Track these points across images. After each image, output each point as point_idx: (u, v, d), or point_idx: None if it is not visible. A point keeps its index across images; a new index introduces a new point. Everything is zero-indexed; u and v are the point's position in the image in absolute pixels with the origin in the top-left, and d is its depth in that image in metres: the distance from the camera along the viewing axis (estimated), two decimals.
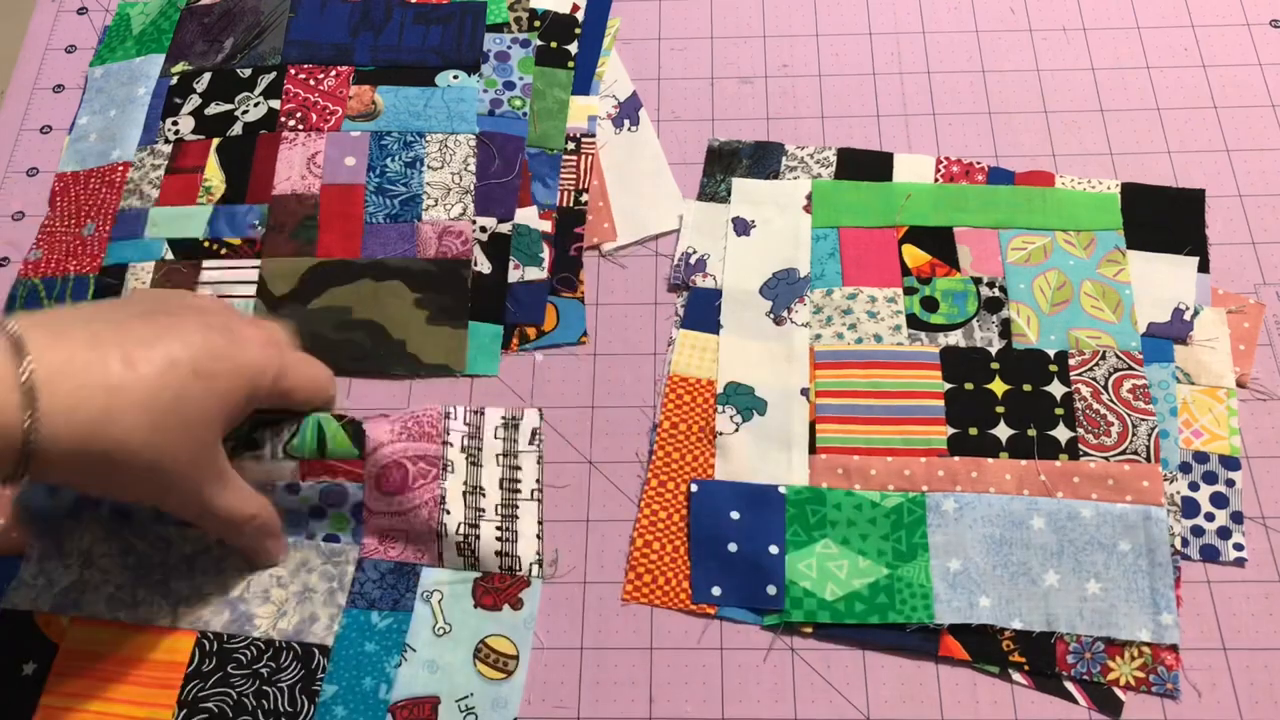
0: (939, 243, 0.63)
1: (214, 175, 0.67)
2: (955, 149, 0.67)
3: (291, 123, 0.68)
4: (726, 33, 0.72)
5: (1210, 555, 0.54)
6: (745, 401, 0.58)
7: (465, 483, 0.56)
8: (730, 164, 0.67)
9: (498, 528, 0.56)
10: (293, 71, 0.70)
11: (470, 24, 0.72)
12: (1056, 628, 0.52)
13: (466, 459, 0.57)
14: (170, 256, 0.64)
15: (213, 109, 0.69)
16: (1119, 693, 0.51)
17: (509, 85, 0.70)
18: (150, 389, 0.44)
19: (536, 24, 0.72)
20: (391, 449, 0.55)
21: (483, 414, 0.58)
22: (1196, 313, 0.60)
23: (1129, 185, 0.64)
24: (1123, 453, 0.56)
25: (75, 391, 0.42)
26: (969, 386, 0.58)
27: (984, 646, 0.53)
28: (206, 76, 0.70)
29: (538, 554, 0.56)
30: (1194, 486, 0.56)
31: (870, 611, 0.53)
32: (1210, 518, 0.55)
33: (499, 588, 0.55)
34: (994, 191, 0.64)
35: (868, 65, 0.70)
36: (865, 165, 0.66)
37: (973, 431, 0.57)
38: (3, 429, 0.40)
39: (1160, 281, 0.61)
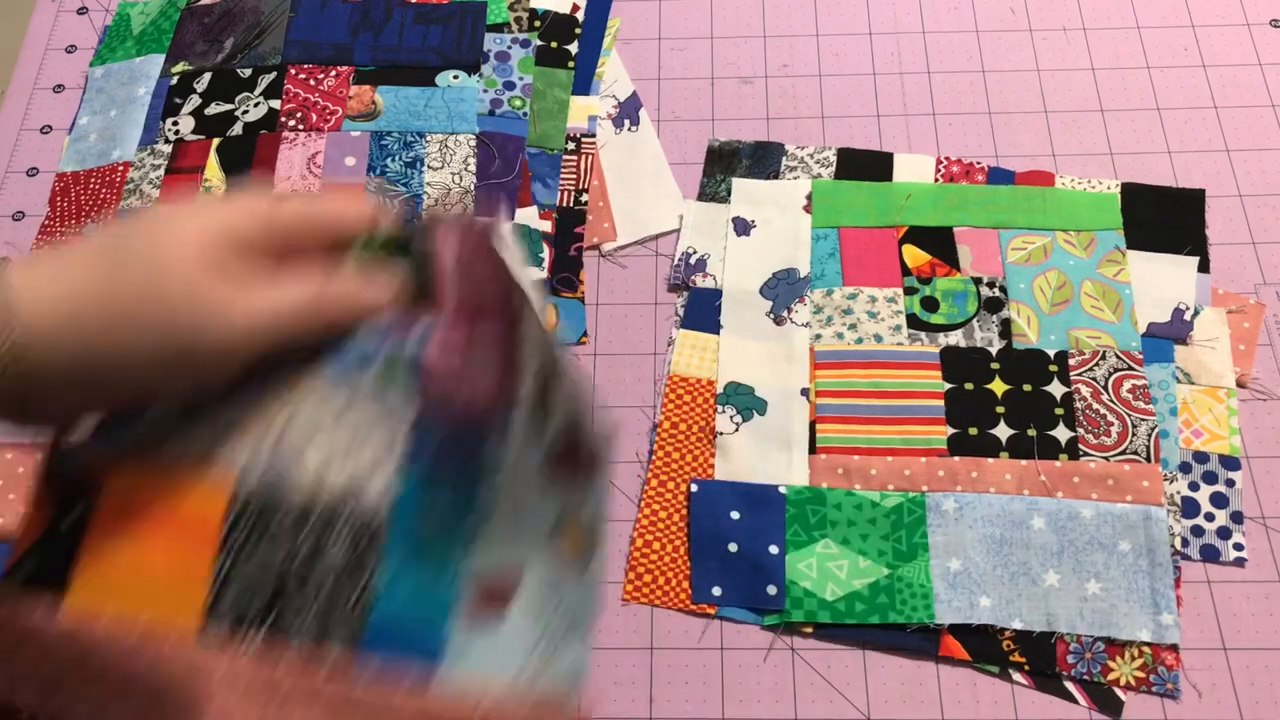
0: (939, 243, 0.63)
1: (214, 175, 0.67)
2: (955, 149, 0.67)
3: (291, 123, 0.68)
4: (726, 33, 0.72)
5: (1210, 555, 0.54)
6: (745, 401, 0.58)
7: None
8: (730, 164, 0.67)
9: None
10: (293, 71, 0.70)
11: (470, 24, 0.72)
12: (1057, 628, 0.52)
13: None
14: None
15: (213, 109, 0.69)
16: (1119, 693, 0.51)
17: (509, 85, 0.70)
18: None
19: (537, 24, 0.72)
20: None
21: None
22: (1197, 313, 0.60)
23: (1129, 185, 0.64)
24: (1123, 453, 0.56)
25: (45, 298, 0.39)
26: (969, 386, 0.58)
27: (984, 646, 0.53)
28: (207, 76, 0.70)
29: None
30: (1194, 486, 0.56)
31: (870, 611, 0.53)
32: (1210, 518, 0.55)
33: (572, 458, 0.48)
34: (994, 191, 0.64)
35: (868, 65, 0.70)
36: (865, 165, 0.66)
37: (973, 431, 0.57)
38: None
39: (1160, 281, 0.61)
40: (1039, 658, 0.52)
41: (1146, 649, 0.52)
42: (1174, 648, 0.52)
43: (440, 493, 0.44)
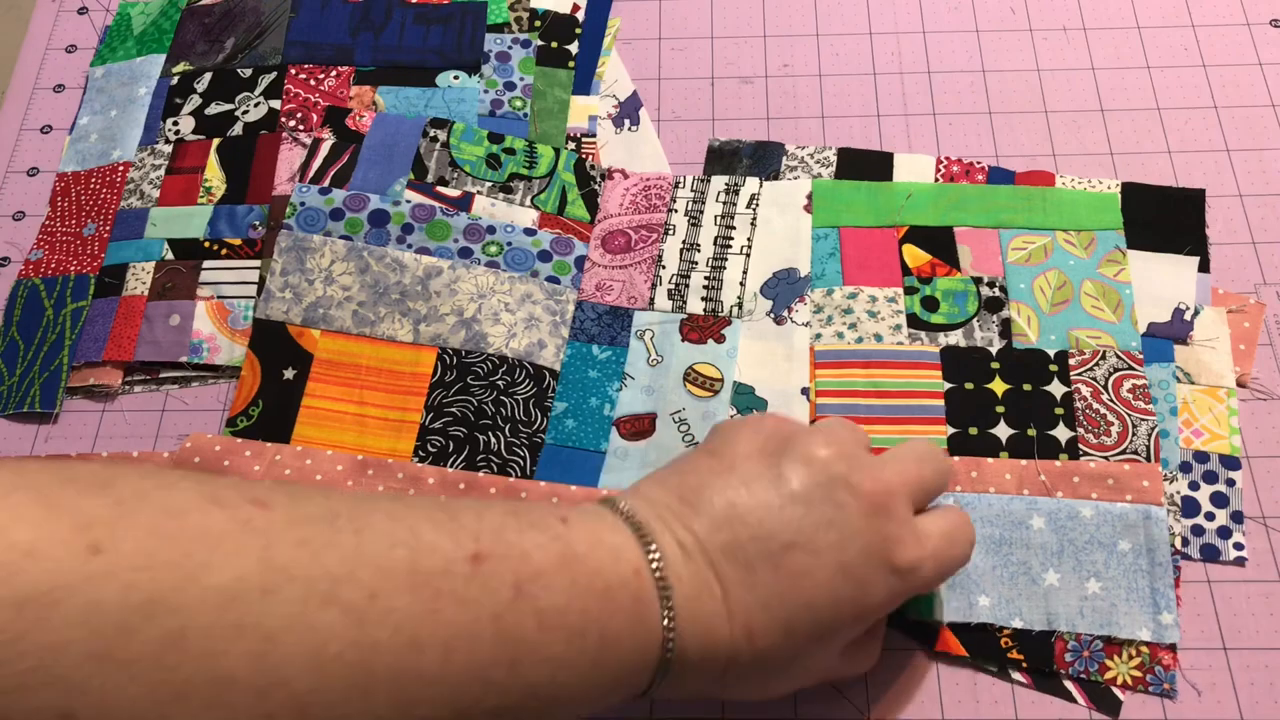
0: (939, 242, 0.62)
1: (214, 175, 0.67)
2: (955, 149, 0.67)
3: (292, 123, 0.68)
4: (726, 33, 0.72)
5: (1210, 555, 0.54)
6: (745, 401, 0.58)
7: (683, 241, 0.63)
8: (731, 164, 0.67)
9: (706, 277, 0.62)
10: (293, 71, 0.70)
11: (470, 24, 0.72)
12: (1056, 626, 0.52)
13: (688, 221, 0.64)
14: (170, 256, 0.64)
15: (213, 109, 0.69)
16: (1117, 692, 0.51)
17: (509, 86, 0.70)
18: (764, 659, 0.41)
19: (537, 24, 0.72)
20: (619, 220, 0.64)
21: (708, 181, 0.65)
22: (1197, 312, 0.60)
23: (1129, 185, 0.64)
24: (1122, 452, 0.56)
25: (699, 660, 0.40)
26: (969, 386, 0.58)
27: (982, 643, 0.52)
28: (207, 76, 0.70)
29: (738, 299, 0.61)
30: (1194, 486, 0.56)
31: None
32: (1210, 517, 0.55)
33: (703, 325, 0.60)
34: (994, 191, 0.64)
35: (868, 65, 0.70)
36: (865, 165, 0.66)
37: (972, 431, 0.57)
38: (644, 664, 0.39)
39: (1160, 281, 0.61)
40: (1037, 655, 0.52)
41: (1144, 649, 0.52)
42: (1172, 648, 0.52)
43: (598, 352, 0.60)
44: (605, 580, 0.38)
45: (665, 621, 0.39)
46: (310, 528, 0.34)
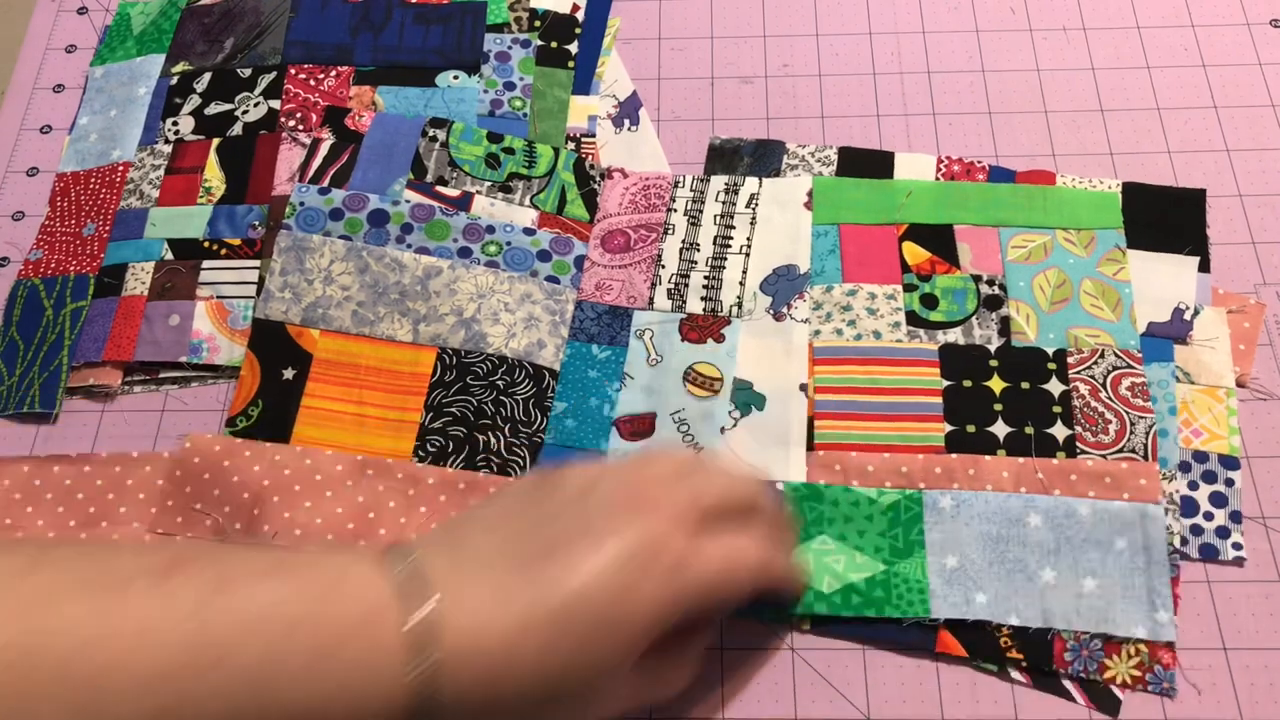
0: (939, 240, 0.62)
1: (214, 175, 0.67)
2: (955, 149, 0.67)
3: (291, 123, 0.68)
4: (726, 33, 0.72)
5: (1209, 554, 0.54)
6: (744, 397, 0.58)
7: (683, 241, 0.63)
8: (731, 162, 0.67)
9: (705, 277, 0.62)
10: (293, 71, 0.70)
11: (470, 24, 0.72)
12: (1053, 624, 0.52)
13: (687, 221, 0.64)
14: (170, 256, 0.64)
15: (213, 109, 0.69)
16: (1117, 691, 0.51)
17: (509, 86, 0.70)
18: (546, 661, 0.40)
19: (537, 24, 0.72)
20: (618, 220, 0.64)
21: (708, 181, 0.65)
22: (1197, 312, 0.60)
23: (1130, 185, 0.64)
24: (1120, 450, 0.56)
25: (471, 655, 0.39)
26: (967, 384, 0.58)
27: (981, 643, 0.52)
28: (206, 76, 0.71)
29: (737, 298, 0.61)
30: (1193, 486, 0.55)
31: (866, 604, 0.53)
32: (1209, 517, 0.55)
33: (703, 325, 0.60)
34: (994, 189, 0.64)
35: (868, 65, 0.70)
36: (867, 164, 0.66)
37: (970, 429, 0.57)
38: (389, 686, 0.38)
39: (1160, 281, 0.61)
40: (1036, 654, 0.52)
41: (1143, 647, 0.52)
42: (1170, 646, 0.52)
43: (597, 351, 0.60)
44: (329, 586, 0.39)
45: (418, 612, 0.39)
46: None
